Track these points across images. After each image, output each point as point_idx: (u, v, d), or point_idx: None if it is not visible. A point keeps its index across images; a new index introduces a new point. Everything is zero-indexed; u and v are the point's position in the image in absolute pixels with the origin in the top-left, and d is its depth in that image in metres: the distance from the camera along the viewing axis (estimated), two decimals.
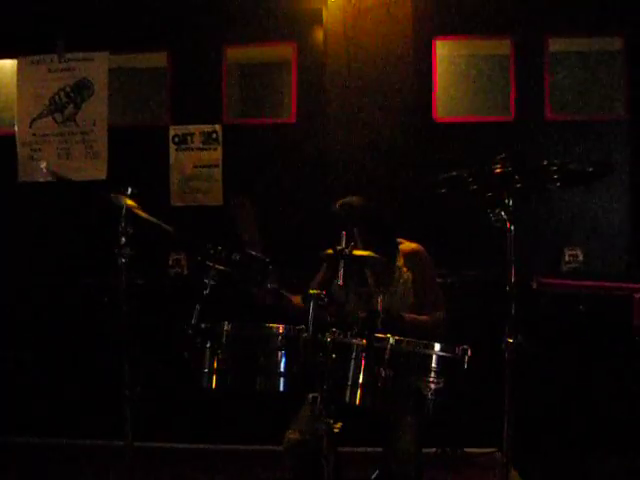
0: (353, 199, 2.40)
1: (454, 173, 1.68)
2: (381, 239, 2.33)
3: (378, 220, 2.40)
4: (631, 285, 3.03)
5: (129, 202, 2.23)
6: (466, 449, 3.41)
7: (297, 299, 2.33)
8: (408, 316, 2.18)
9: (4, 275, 3.90)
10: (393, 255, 2.36)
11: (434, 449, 3.31)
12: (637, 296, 2.66)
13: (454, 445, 3.38)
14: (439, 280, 2.81)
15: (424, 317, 2.25)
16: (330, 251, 1.87)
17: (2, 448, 3.57)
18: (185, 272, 3.84)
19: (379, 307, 1.90)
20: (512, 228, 1.74)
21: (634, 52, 3.73)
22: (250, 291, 2.12)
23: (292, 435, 2.08)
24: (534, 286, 3.33)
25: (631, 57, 3.74)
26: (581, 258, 3.67)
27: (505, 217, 1.71)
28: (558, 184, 1.69)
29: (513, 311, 1.79)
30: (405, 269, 2.36)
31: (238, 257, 1.98)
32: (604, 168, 1.61)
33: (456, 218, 3.61)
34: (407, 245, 2.42)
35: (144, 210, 2.26)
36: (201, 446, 3.64)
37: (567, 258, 3.67)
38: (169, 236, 2.31)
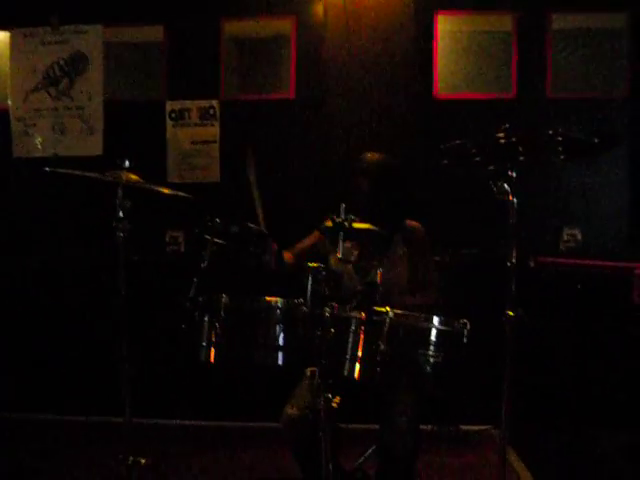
0: (385, 156, 2.36)
1: (457, 142, 1.65)
2: (397, 204, 2.28)
3: (404, 183, 2.36)
4: (630, 264, 3.02)
5: (132, 177, 2.20)
6: (461, 426, 3.44)
7: (287, 255, 2.29)
8: (400, 300, 2.14)
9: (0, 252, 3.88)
10: (395, 228, 2.34)
11: (429, 426, 3.34)
12: (638, 272, 2.65)
13: (449, 422, 3.41)
14: (436, 258, 2.80)
15: (414, 301, 2.22)
16: (329, 223, 1.85)
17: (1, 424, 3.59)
18: (182, 249, 3.81)
19: (378, 280, 1.89)
20: (515, 200, 1.72)
21: (638, 29, 3.67)
22: (258, 260, 2.08)
23: (290, 410, 2.08)
24: (532, 265, 3.33)
25: (635, 34, 3.69)
26: (579, 237, 3.66)
27: (508, 189, 1.69)
28: (562, 156, 1.66)
29: (513, 286, 1.78)
30: (402, 244, 2.34)
31: (236, 229, 1.96)
32: (611, 140, 1.58)
33: (454, 196, 3.59)
34: (408, 222, 2.41)
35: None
36: (200, 423, 3.66)
37: (565, 237, 3.66)
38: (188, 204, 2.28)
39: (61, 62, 3.92)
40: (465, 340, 1.83)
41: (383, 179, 2.30)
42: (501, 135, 1.60)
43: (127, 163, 2.22)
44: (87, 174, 2.20)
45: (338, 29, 3.70)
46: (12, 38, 3.96)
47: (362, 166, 2.32)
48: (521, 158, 1.66)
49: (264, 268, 2.11)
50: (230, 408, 3.67)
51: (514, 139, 1.58)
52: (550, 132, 1.52)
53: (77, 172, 2.20)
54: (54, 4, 3.89)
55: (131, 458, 2.21)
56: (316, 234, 2.39)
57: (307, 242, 2.43)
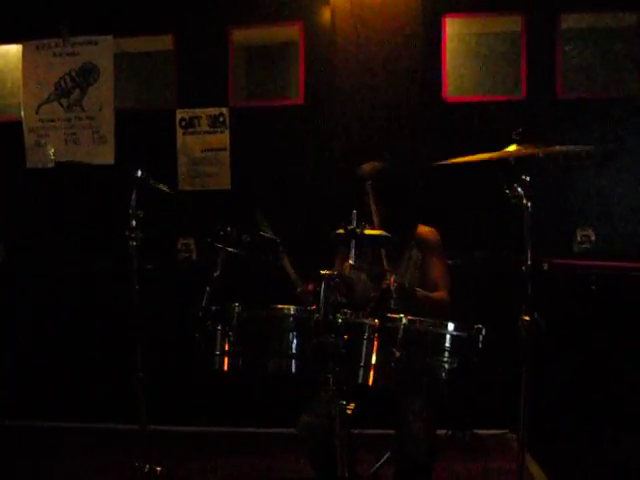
0: (384, 163, 2.34)
1: (467, 158, 1.64)
2: (398, 210, 2.28)
3: (406, 187, 2.35)
4: None
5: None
6: (477, 431, 3.41)
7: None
8: (421, 292, 2.15)
9: (13, 261, 3.92)
10: (407, 234, 2.33)
11: (445, 431, 3.31)
12: None
13: (465, 427, 3.38)
14: (450, 262, 2.78)
15: (434, 295, 2.22)
16: (341, 231, 1.85)
17: (14, 432, 3.61)
18: (194, 257, 3.83)
19: (391, 287, 1.88)
20: (529, 204, 1.70)
21: None
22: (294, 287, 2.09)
23: (307, 418, 2.07)
24: (545, 267, 3.30)
25: None
26: (593, 238, 3.62)
27: (522, 193, 1.68)
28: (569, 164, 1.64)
29: (529, 289, 1.76)
30: (415, 250, 2.33)
31: (249, 238, 1.96)
32: (609, 153, 1.56)
33: (467, 199, 3.57)
34: (421, 228, 2.40)
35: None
36: (214, 429, 3.67)
37: (579, 239, 3.63)
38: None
39: (72, 73, 3.97)
40: (480, 346, 1.81)
41: (384, 187, 2.28)
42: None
43: (139, 173, 2.23)
44: (102, 172, 2.21)
45: (346, 34, 3.70)
46: (24, 50, 4.01)
47: (362, 176, 2.31)
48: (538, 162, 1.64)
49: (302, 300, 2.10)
50: (245, 414, 3.67)
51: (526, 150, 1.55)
52: (542, 155, 1.49)
53: (91, 166, 2.21)
54: (65, 16, 3.94)
55: (147, 466, 2.22)
56: (340, 253, 2.36)
57: (338, 265, 2.36)
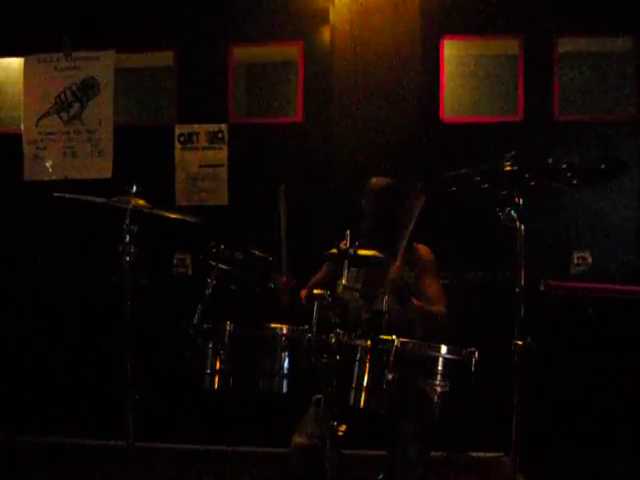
0: (388, 179, 2.38)
1: (463, 171, 1.64)
2: (396, 227, 2.28)
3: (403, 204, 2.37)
4: None
5: (139, 202, 2.21)
6: (472, 453, 3.37)
7: (303, 293, 2.29)
8: (416, 302, 2.13)
9: (9, 273, 3.90)
10: (399, 252, 2.32)
11: (439, 453, 3.27)
12: None
13: (459, 449, 3.34)
14: (444, 282, 2.77)
15: (428, 306, 2.21)
16: (334, 250, 1.84)
17: (3, 446, 3.56)
18: (190, 272, 3.82)
19: (383, 308, 1.87)
20: (522, 227, 1.70)
21: None
22: (269, 288, 2.09)
23: (299, 439, 2.05)
24: (542, 288, 3.29)
25: None
26: (590, 260, 3.62)
27: (515, 216, 1.68)
28: (569, 183, 1.65)
29: (522, 312, 1.75)
30: (408, 268, 2.32)
31: (241, 256, 1.95)
32: (618, 166, 1.57)
33: (461, 220, 3.57)
34: (413, 245, 2.39)
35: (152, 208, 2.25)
36: (203, 447, 3.62)
37: (576, 260, 3.62)
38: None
39: (73, 87, 3.99)
40: (473, 369, 1.80)
41: (390, 202, 2.30)
42: (507, 163, 1.59)
43: (135, 188, 2.24)
44: (95, 199, 2.22)
45: (345, 54, 3.73)
46: (26, 64, 4.04)
47: (370, 191, 2.33)
48: (529, 184, 1.65)
49: (279, 302, 2.10)
50: (234, 433, 3.62)
51: (518, 167, 1.56)
52: (553, 160, 1.51)
53: (86, 197, 2.23)
54: (67, 30, 3.97)
55: None
56: (325, 266, 2.39)
57: (319, 275, 2.42)
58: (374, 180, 2.40)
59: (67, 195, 2.30)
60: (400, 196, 2.38)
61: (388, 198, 2.33)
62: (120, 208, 2.20)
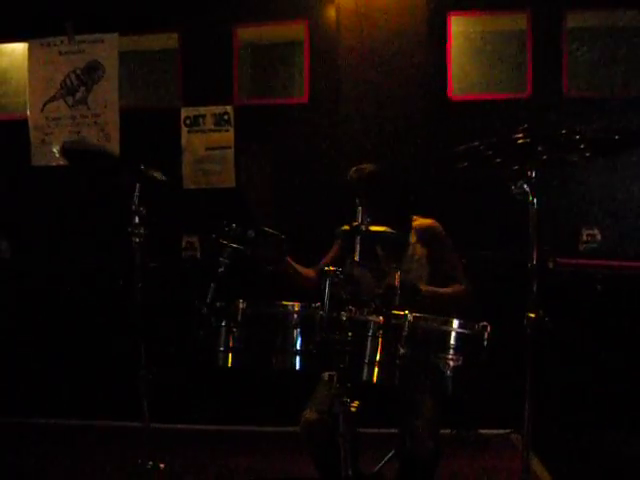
0: (369, 165, 2.35)
1: (475, 143, 1.63)
2: (391, 210, 2.26)
3: (390, 188, 2.34)
4: None
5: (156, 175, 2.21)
6: (481, 430, 3.40)
7: (307, 271, 2.29)
8: (426, 288, 2.14)
9: (19, 258, 3.93)
10: (405, 231, 2.31)
11: (448, 430, 3.30)
12: None
13: (468, 426, 3.37)
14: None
15: (443, 289, 2.21)
16: (346, 227, 1.84)
17: (17, 429, 3.62)
18: (198, 255, 3.83)
19: (396, 283, 1.87)
20: (535, 201, 1.69)
21: None
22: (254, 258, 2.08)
23: (309, 415, 2.07)
24: (551, 266, 3.28)
25: None
26: (599, 238, 3.60)
27: (527, 189, 1.67)
28: (583, 155, 1.63)
29: (534, 287, 1.75)
30: (419, 245, 2.31)
31: (253, 234, 1.96)
32: (632, 137, 1.55)
33: (472, 198, 3.56)
34: (421, 221, 2.37)
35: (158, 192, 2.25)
36: (218, 427, 3.67)
37: (585, 238, 3.61)
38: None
39: (77, 71, 3.97)
40: (485, 343, 1.81)
41: (375, 190, 2.27)
42: (519, 135, 1.58)
43: (142, 167, 2.23)
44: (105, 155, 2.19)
45: (351, 32, 3.69)
46: (30, 49, 4.02)
47: (352, 182, 2.31)
48: (541, 157, 1.63)
49: (263, 262, 2.10)
50: (248, 413, 3.67)
51: (532, 139, 1.55)
52: (566, 131, 1.50)
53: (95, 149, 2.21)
54: (70, 14, 3.95)
55: (150, 463, 2.22)
56: (336, 244, 2.38)
57: (331, 254, 2.41)
58: (355, 171, 2.34)
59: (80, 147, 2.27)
60: (386, 174, 2.35)
61: (378, 181, 2.30)
62: (129, 174, 2.18)
